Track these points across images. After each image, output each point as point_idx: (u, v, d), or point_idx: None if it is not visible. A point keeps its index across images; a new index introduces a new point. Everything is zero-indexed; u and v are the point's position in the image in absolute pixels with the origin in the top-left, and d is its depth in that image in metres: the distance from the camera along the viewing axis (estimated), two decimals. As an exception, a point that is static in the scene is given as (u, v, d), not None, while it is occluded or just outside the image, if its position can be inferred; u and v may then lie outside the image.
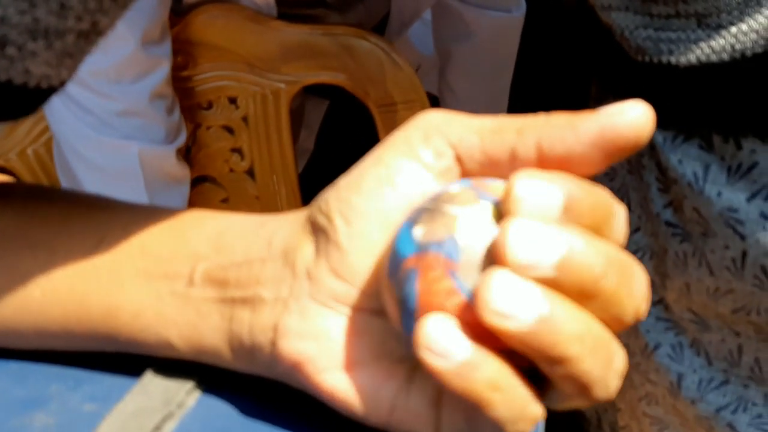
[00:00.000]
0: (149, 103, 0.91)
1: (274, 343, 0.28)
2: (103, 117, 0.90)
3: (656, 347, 0.55)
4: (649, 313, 0.54)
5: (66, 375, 0.34)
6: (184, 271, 0.31)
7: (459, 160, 0.28)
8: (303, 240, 0.29)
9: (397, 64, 0.96)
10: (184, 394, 0.32)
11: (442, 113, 0.28)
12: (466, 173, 0.28)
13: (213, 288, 0.30)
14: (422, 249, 0.25)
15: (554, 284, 0.23)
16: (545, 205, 0.24)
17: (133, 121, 0.91)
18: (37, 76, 0.30)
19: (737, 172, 0.46)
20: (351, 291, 0.28)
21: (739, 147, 0.45)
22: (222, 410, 0.31)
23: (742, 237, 0.46)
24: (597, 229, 0.25)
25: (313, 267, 0.28)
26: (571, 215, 0.24)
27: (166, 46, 0.93)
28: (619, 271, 0.24)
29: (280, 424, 0.30)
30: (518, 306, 0.23)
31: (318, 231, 0.28)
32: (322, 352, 0.28)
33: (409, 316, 0.25)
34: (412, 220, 0.26)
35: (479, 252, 0.25)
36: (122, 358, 0.33)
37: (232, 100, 0.99)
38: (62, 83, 0.31)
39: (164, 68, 0.92)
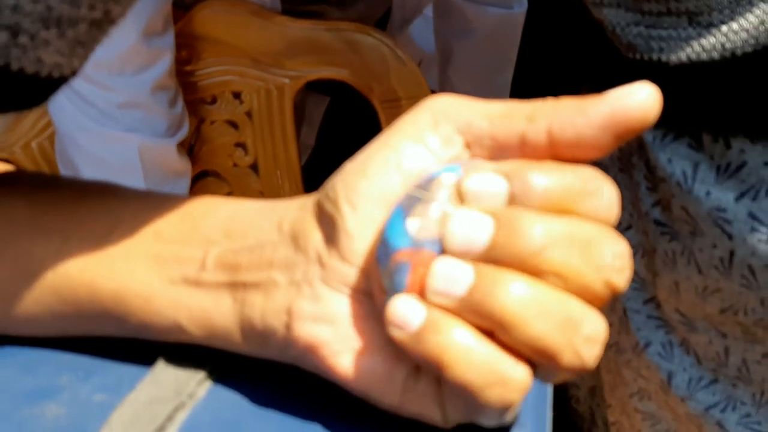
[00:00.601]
0: (151, 95, 0.91)
1: (288, 327, 0.29)
2: (104, 109, 0.90)
3: (647, 345, 0.55)
4: (640, 311, 0.55)
5: (76, 365, 0.34)
6: (196, 256, 0.31)
7: (467, 145, 0.28)
8: (312, 226, 0.29)
9: (400, 60, 0.96)
10: (195, 384, 0.32)
11: (451, 97, 0.29)
12: (474, 157, 0.28)
13: (225, 272, 0.30)
14: (417, 245, 0.26)
15: (493, 261, 0.25)
16: (489, 195, 0.26)
17: (134, 113, 0.91)
18: (49, 66, 0.30)
19: (726, 171, 0.46)
20: (361, 276, 0.28)
21: (728, 146, 0.45)
22: (233, 401, 0.31)
23: (730, 237, 0.46)
24: (565, 209, 0.26)
25: (324, 253, 0.29)
26: (524, 200, 0.26)
27: (169, 38, 0.93)
28: (569, 243, 0.25)
29: (291, 414, 0.30)
30: (452, 283, 0.25)
31: (326, 218, 0.29)
32: (337, 335, 0.28)
33: None
34: (405, 210, 0.27)
35: None
36: (133, 347, 0.33)
37: (236, 95, 0.99)
38: (73, 72, 0.31)
39: (166, 60, 0.92)
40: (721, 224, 0.46)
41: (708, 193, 0.46)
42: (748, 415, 0.51)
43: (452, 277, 0.25)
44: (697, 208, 0.47)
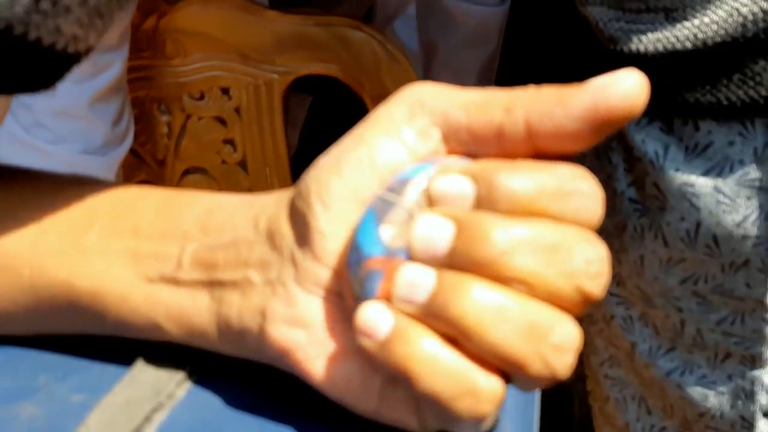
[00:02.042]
0: (89, 106, 0.87)
1: (262, 328, 0.28)
2: (38, 116, 0.86)
3: (611, 317, 0.59)
4: None
5: (55, 365, 0.34)
6: (173, 253, 0.30)
7: (444, 138, 0.27)
8: (286, 224, 0.29)
9: (392, 55, 0.95)
10: (174, 385, 0.31)
11: (429, 86, 0.28)
12: (451, 151, 0.27)
13: (202, 270, 0.30)
14: (391, 253, 0.25)
15: (456, 266, 0.25)
16: (455, 197, 0.25)
17: (69, 123, 0.87)
18: (66, 37, 0.29)
19: (694, 150, 0.50)
20: (335, 277, 0.27)
21: (696, 128, 0.50)
22: (213, 402, 0.31)
23: (697, 209, 0.50)
24: (536, 212, 0.25)
25: (297, 253, 0.28)
26: (491, 202, 0.25)
27: (123, 51, 0.89)
28: (533, 248, 0.24)
29: (270, 416, 0.30)
30: (414, 289, 0.25)
31: (298, 216, 0.28)
32: (311, 339, 0.28)
33: None
34: (378, 215, 0.26)
35: None
36: (113, 347, 0.33)
37: (225, 91, 0.98)
38: (88, 50, 0.31)
39: (113, 70, 0.88)
40: (690, 197, 0.51)
41: (677, 170, 0.51)
42: (704, 376, 0.55)
43: (415, 283, 0.25)
44: (668, 184, 0.52)
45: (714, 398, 0.54)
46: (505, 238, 0.24)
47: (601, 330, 0.60)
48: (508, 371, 0.25)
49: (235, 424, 0.30)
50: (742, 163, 0.49)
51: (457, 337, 0.25)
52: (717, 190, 0.50)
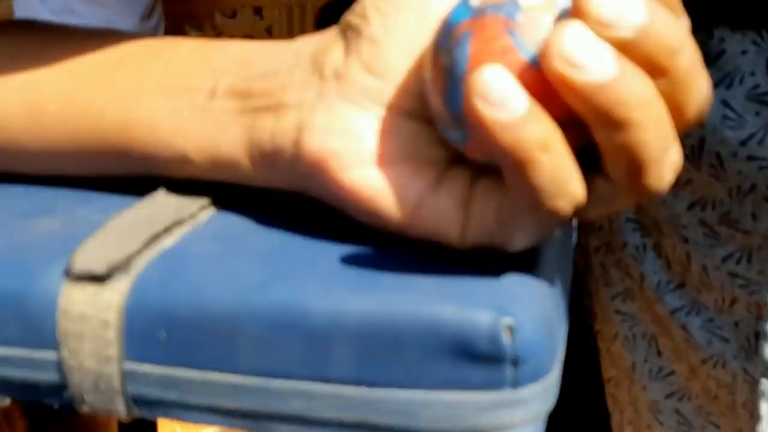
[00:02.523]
0: None
1: (297, 143, 0.27)
2: (67, 2, 0.87)
3: (624, 245, 0.57)
4: (621, 212, 0.56)
5: (74, 194, 0.33)
6: (206, 86, 0.30)
7: None
8: (333, 43, 0.28)
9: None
10: (198, 208, 0.30)
11: None
12: None
13: (236, 100, 0.29)
14: (479, 12, 0.24)
15: (630, 49, 0.22)
16: None
17: (99, 9, 0.87)
18: None
19: (706, 59, 0.48)
20: (384, 87, 0.27)
21: (710, 35, 0.47)
22: (235, 222, 0.30)
23: (701, 124, 0.48)
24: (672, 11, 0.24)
25: (343, 66, 0.27)
26: None
27: None
28: (691, 53, 0.23)
29: (293, 231, 0.29)
30: (590, 59, 0.22)
31: (350, 30, 0.28)
32: (348, 147, 0.27)
33: (455, 83, 0.24)
34: None
35: (542, 14, 0.24)
36: (133, 184, 0.32)
37: (257, 10, 0.97)
38: None
39: None
40: None
41: None
42: (710, 320, 0.53)
43: (591, 54, 0.22)
44: None
45: (718, 344, 0.52)
46: (683, 35, 0.23)
47: (619, 260, 0.58)
48: (620, 173, 0.24)
49: (257, 238, 0.29)
50: (753, 75, 0.46)
51: (598, 124, 0.23)
52: (724, 104, 0.47)
